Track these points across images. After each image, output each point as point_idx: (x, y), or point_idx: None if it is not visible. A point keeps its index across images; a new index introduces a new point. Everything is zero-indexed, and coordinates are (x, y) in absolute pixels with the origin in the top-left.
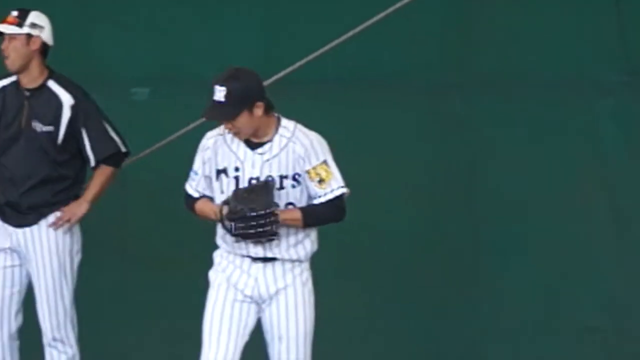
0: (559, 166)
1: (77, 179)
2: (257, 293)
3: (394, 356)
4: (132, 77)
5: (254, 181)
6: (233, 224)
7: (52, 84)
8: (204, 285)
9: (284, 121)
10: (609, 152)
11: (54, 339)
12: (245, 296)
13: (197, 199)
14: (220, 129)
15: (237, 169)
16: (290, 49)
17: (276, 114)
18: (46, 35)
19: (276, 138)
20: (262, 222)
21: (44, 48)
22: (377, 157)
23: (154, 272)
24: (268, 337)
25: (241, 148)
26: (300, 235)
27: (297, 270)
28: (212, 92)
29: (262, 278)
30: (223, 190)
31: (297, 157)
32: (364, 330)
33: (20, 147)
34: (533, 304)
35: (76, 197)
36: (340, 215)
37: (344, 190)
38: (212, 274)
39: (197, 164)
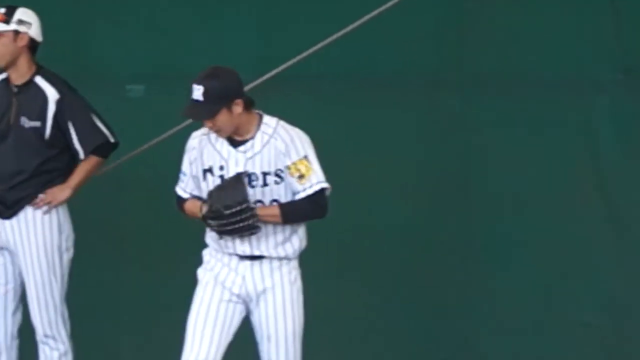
0: (556, 164)
1: (66, 173)
2: (244, 291)
3: (393, 356)
4: (127, 73)
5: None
6: (213, 222)
7: (39, 80)
8: None
9: (266, 118)
10: (605, 150)
11: (46, 336)
12: (232, 294)
13: (187, 199)
14: (204, 128)
15: (222, 168)
16: (287, 47)
17: (258, 112)
18: (34, 31)
19: (258, 135)
20: (239, 217)
21: (32, 44)
22: (374, 155)
23: (149, 269)
24: (257, 336)
25: (225, 147)
26: (287, 232)
27: (285, 269)
28: (190, 91)
29: (249, 276)
30: (210, 189)
31: (278, 153)
32: (363, 330)
33: (9, 143)
34: (531, 303)
35: None
36: (321, 211)
37: (324, 185)
38: (200, 272)
39: (185, 165)
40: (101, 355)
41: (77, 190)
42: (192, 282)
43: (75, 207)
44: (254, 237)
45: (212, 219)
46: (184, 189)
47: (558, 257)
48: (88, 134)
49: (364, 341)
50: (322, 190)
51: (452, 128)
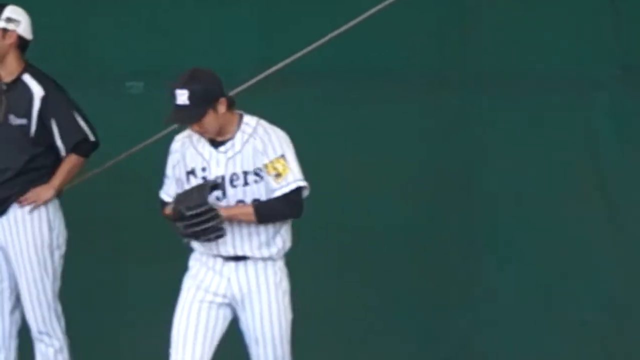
0: (557, 162)
1: (53, 171)
2: (230, 293)
3: (394, 356)
4: (127, 71)
5: (219, 179)
6: (178, 224)
7: (26, 77)
8: None
9: (246, 118)
10: (605, 147)
11: (40, 332)
12: (216, 296)
13: (168, 203)
14: (186, 130)
15: (204, 169)
16: (288, 46)
17: (239, 111)
18: (23, 29)
19: (238, 135)
20: (200, 219)
21: (21, 42)
22: (375, 154)
23: (148, 265)
24: (246, 339)
25: (206, 148)
26: (270, 232)
27: (270, 270)
28: (173, 97)
29: (234, 278)
30: None
31: (257, 152)
32: (363, 331)
33: None
34: (532, 303)
35: None
36: (296, 210)
37: (300, 184)
38: (184, 280)
39: (168, 168)
40: (100, 350)
41: (61, 189)
42: None
43: (76, 204)
44: (237, 238)
45: (176, 220)
46: (166, 192)
47: (558, 256)
48: (69, 131)
49: (364, 342)
50: (299, 189)
51: (453, 126)
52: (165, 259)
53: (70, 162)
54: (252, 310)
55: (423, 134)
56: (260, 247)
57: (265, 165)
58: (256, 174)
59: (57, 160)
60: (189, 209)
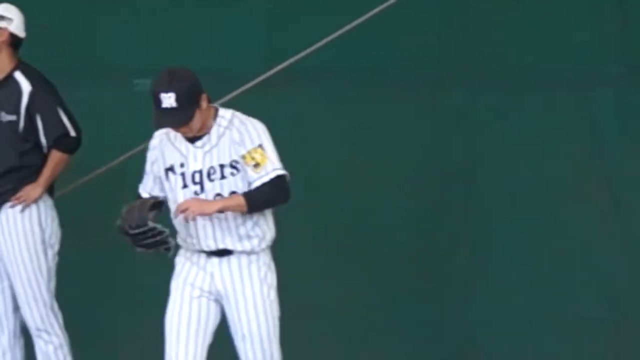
0: (560, 159)
1: (41, 168)
2: (214, 289)
3: (394, 354)
4: (134, 68)
5: (196, 174)
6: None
7: (17, 74)
8: None
9: (222, 111)
10: (609, 144)
11: (38, 330)
12: (203, 291)
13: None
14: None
15: (182, 165)
16: (291, 42)
17: (214, 105)
18: (15, 27)
19: (214, 128)
20: (144, 236)
21: (14, 40)
22: (375, 152)
23: (150, 263)
24: (233, 335)
25: (183, 143)
26: (249, 225)
27: (254, 265)
28: (157, 101)
29: (218, 274)
30: (173, 188)
31: (233, 143)
32: (364, 330)
33: None
34: (533, 297)
35: None
36: (284, 195)
37: (280, 172)
38: (171, 281)
39: (147, 164)
40: (100, 350)
41: (52, 188)
42: None
43: (80, 201)
44: (217, 231)
45: (122, 234)
46: (144, 187)
47: (561, 253)
48: (50, 125)
49: (364, 341)
50: (281, 176)
51: (454, 124)
52: (166, 258)
53: (54, 159)
54: (237, 306)
55: (424, 131)
56: (240, 239)
57: (243, 156)
58: (232, 166)
59: (46, 159)
60: (131, 227)
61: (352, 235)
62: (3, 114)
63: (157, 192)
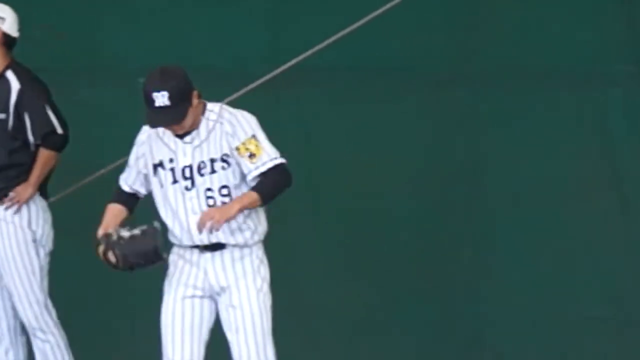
0: (564, 158)
1: (31, 166)
2: (207, 285)
3: (397, 354)
4: (138, 66)
5: (187, 169)
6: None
7: (8, 73)
8: None
9: (210, 105)
10: (618, 142)
11: (34, 329)
12: (196, 288)
13: (120, 194)
14: None
15: (171, 160)
16: (297, 40)
17: (202, 100)
18: (8, 26)
19: (203, 123)
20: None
21: (6, 39)
22: (379, 150)
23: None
24: (225, 328)
25: (172, 139)
26: (240, 218)
27: (247, 259)
28: (150, 100)
29: (211, 269)
30: (162, 184)
31: (225, 135)
32: (367, 329)
33: None
34: (537, 297)
35: None
36: (288, 179)
37: (277, 161)
38: (165, 282)
39: (132, 158)
40: (100, 350)
41: (38, 185)
42: None
43: (80, 202)
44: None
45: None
46: (125, 180)
47: (566, 251)
48: (37, 123)
49: (368, 340)
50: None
51: (459, 123)
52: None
53: (42, 157)
54: (231, 298)
55: (431, 128)
56: (233, 233)
57: (237, 148)
58: (223, 160)
59: (34, 157)
60: (138, 264)
61: (354, 234)
62: None
63: (138, 187)
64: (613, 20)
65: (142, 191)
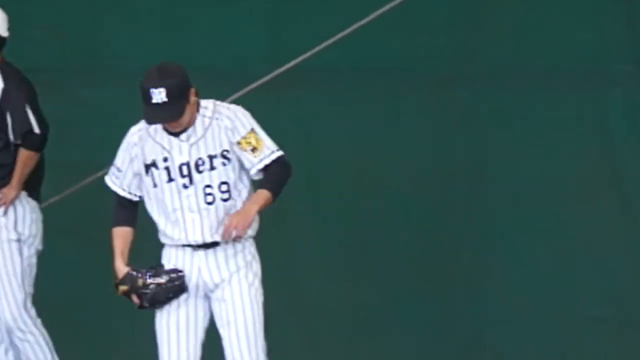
0: (565, 158)
1: (13, 167)
2: (202, 282)
3: (399, 353)
4: (138, 66)
5: (184, 167)
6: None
7: None
8: None
9: (203, 102)
10: (619, 142)
11: (11, 327)
12: (190, 289)
13: (121, 208)
14: (141, 123)
15: (165, 159)
16: (298, 40)
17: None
18: None
19: (198, 120)
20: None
21: None
22: (381, 148)
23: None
24: (218, 324)
25: (165, 137)
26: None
27: (240, 255)
28: (147, 97)
29: (205, 267)
30: (156, 184)
31: (225, 131)
32: (365, 330)
33: None
34: (537, 297)
35: None
36: (290, 170)
37: (278, 154)
38: None
39: (121, 161)
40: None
41: (22, 185)
42: None
43: (80, 202)
44: (205, 224)
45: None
46: (120, 185)
47: (567, 252)
48: (17, 122)
49: (366, 341)
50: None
51: (460, 123)
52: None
53: (21, 157)
54: (224, 294)
55: (434, 127)
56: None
57: (239, 142)
58: (224, 156)
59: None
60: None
61: (354, 234)
62: None
63: (134, 189)
64: (613, 20)
65: (139, 193)
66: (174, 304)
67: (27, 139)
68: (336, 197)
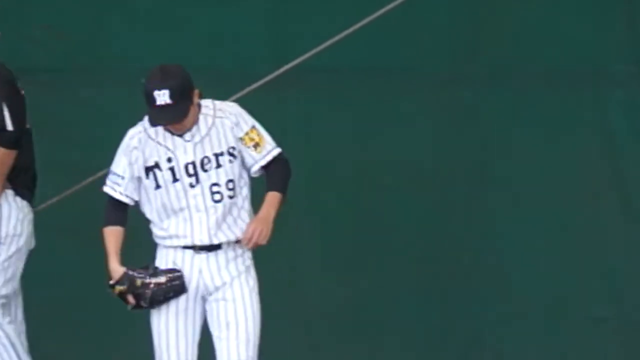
0: (567, 158)
1: None
2: (202, 284)
3: (402, 353)
4: (138, 66)
5: (190, 166)
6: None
7: None
8: None
9: (203, 101)
10: (620, 143)
11: None
12: (189, 297)
13: (113, 210)
14: (140, 125)
15: (169, 160)
16: (297, 39)
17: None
18: None
19: (201, 119)
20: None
21: None
22: (385, 147)
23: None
24: (214, 327)
25: (168, 138)
26: (235, 212)
27: (240, 260)
28: (151, 98)
29: (206, 270)
30: (160, 185)
31: (230, 128)
32: (366, 330)
33: None
34: (542, 296)
35: None
36: (289, 167)
37: (277, 150)
38: None
39: (122, 167)
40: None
41: (3, 183)
42: None
43: (81, 203)
44: (211, 223)
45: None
46: (123, 192)
47: (572, 252)
48: None
49: (367, 341)
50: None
51: (466, 121)
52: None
53: None
54: (225, 295)
55: (435, 128)
56: (229, 227)
57: (242, 138)
58: (230, 153)
59: None
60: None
61: (354, 234)
62: None
63: (131, 192)
64: (613, 21)
65: (136, 197)
66: (172, 306)
67: (4, 138)
68: (336, 197)
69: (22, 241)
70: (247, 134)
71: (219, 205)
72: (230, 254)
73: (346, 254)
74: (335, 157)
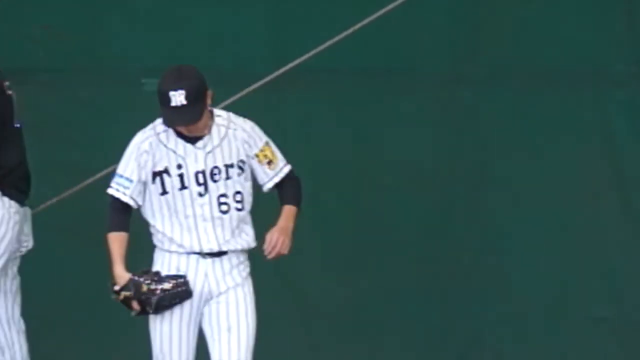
0: (568, 158)
1: None
2: (207, 289)
3: (403, 353)
4: (138, 66)
5: (200, 175)
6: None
7: None
8: None
9: (217, 111)
10: (621, 143)
11: None
12: (192, 304)
13: (117, 214)
14: (150, 129)
15: (179, 167)
16: (297, 39)
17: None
18: None
19: (214, 128)
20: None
21: None
22: (385, 147)
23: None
24: (214, 331)
25: (179, 144)
26: (239, 224)
27: (242, 266)
28: (166, 99)
29: (212, 275)
30: (166, 191)
31: (242, 142)
32: (366, 331)
33: None
34: (542, 296)
35: None
36: (300, 183)
37: (289, 167)
38: None
39: (131, 170)
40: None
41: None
42: None
43: (81, 203)
44: (218, 231)
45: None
46: (130, 195)
47: (573, 252)
48: None
49: (367, 341)
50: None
51: (466, 121)
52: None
53: None
54: (227, 301)
55: (436, 128)
56: (233, 235)
57: (257, 155)
58: (239, 167)
59: None
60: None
61: (354, 234)
62: None
63: (136, 195)
64: (614, 21)
65: (140, 202)
66: (176, 312)
67: None
68: (336, 197)
69: (4, 243)
70: (261, 150)
71: (226, 216)
72: (234, 260)
73: (346, 254)
74: (335, 157)
